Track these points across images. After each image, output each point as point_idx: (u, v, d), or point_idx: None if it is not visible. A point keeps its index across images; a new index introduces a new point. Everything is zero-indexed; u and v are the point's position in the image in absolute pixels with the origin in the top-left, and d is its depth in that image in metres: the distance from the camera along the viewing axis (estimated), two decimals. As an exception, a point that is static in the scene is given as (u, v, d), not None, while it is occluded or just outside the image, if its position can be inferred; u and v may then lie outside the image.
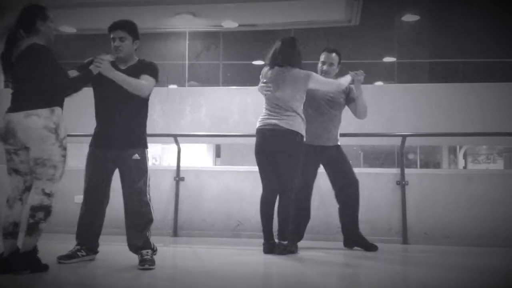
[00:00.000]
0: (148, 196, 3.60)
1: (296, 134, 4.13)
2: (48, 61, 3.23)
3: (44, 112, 3.16)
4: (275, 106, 4.19)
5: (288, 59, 4.21)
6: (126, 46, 3.58)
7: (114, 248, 4.00)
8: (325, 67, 4.53)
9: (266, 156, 4.20)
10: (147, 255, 3.47)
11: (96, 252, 3.70)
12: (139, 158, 3.58)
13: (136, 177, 3.56)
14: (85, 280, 3.22)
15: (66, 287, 3.03)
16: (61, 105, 3.29)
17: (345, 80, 4.41)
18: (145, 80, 3.55)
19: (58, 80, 3.26)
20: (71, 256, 3.55)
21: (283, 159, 4.13)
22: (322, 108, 4.47)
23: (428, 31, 10.73)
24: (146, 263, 3.39)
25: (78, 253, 3.59)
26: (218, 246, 4.77)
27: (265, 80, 4.25)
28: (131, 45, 3.61)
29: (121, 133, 3.59)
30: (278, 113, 4.15)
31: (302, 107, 4.25)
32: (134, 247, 3.57)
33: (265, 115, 4.23)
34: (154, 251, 3.58)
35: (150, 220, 3.59)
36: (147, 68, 3.61)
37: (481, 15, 9.74)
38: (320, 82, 4.28)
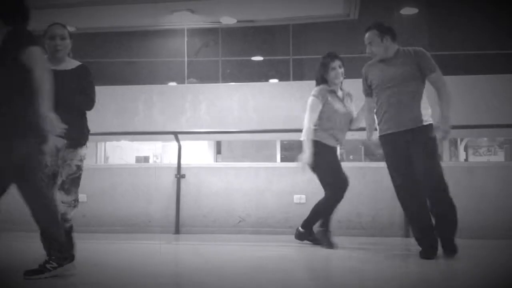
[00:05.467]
0: (45, 196, 2.91)
1: None
2: None
3: None
4: None
5: None
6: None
7: (117, 246, 4.01)
8: (367, 50, 4.12)
9: None
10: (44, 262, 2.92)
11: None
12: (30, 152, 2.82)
13: (27, 175, 2.86)
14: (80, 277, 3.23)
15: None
16: None
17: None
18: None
19: None
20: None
21: None
22: None
23: (427, 24, 10.71)
24: (30, 272, 2.87)
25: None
26: (220, 243, 4.79)
27: None
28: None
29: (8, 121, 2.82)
30: None
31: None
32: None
33: None
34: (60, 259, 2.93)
35: (47, 224, 2.91)
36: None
37: (480, 6, 9.72)
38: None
